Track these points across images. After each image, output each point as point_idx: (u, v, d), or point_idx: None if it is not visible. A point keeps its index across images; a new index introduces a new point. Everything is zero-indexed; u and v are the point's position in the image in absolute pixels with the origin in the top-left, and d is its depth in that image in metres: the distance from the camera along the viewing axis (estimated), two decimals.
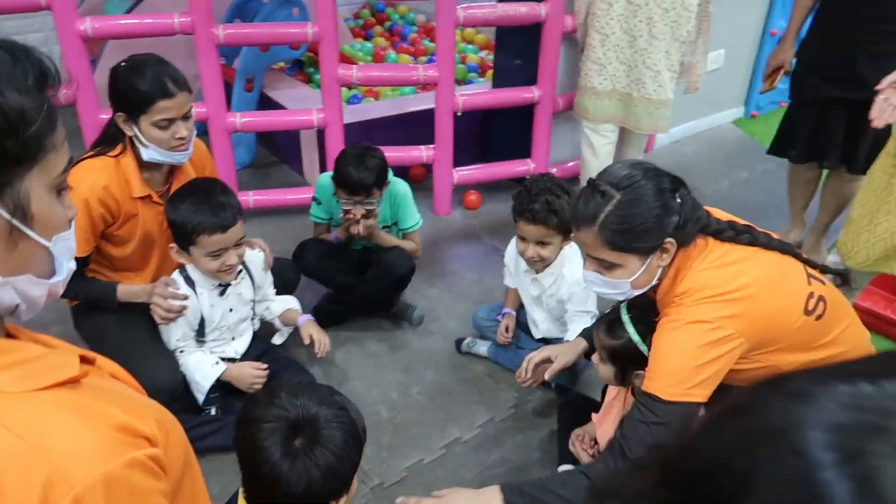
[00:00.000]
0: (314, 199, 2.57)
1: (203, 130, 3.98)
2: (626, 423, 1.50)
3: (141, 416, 0.77)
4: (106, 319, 2.01)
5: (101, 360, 0.89)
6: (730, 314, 1.40)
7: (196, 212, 1.84)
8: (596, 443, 1.95)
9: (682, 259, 1.47)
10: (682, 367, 1.40)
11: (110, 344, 1.99)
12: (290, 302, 2.27)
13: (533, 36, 3.20)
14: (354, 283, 2.56)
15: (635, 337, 1.63)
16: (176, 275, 2.00)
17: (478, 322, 2.56)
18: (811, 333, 1.50)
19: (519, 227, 2.14)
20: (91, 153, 1.92)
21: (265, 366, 2.11)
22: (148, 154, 1.88)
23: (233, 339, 2.12)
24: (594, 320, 2.28)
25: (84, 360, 0.81)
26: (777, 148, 3.02)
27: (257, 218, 3.36)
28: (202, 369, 1.99)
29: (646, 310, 1.62)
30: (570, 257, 2.24)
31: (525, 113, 3.40)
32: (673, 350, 1.43)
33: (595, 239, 1.43)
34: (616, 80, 3.05)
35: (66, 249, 0.81)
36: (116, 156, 1.90)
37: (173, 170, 2.03)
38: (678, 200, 1.42)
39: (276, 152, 4.06)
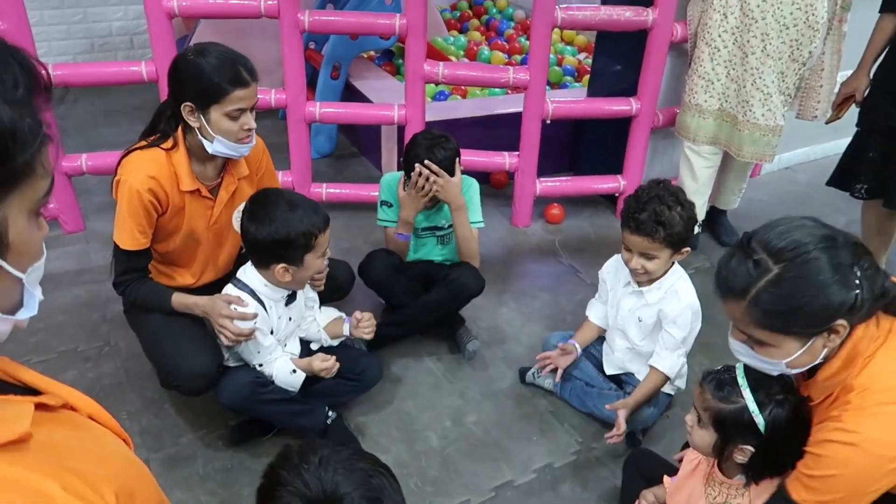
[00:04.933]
0: (381, 202, 2.41)
1: (282, 116, 3.95)
2: None
3: (93, 485, 0.65)
4: None
5: (80, 400, 0.78)
6: None
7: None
8: None
9: (862, 339, 1.19)
10: (853, 493, 1.18)
11: (151, 326, 1.95)
12: (333, 313, 2.15)
13: (637, 42, 2.94)
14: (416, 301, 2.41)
15: (752, 406, 1.37)
16: (234, 290, 1.88)
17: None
18: None
19: (624, 235, 2.00)
20: (142, 144, 1.85)
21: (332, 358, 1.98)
22: (213, 147, 1.81)
23: (285, 345, 2.04)
24: (682, 358, 2.09)
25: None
26: (838, 180, 2.66)
27: (329, 211, 3.24)
28: (284, 380, 1.94)
29: (768, 376, 1.37)
30: (684, 273, 2.08)
31: (621, 125, 3.15)
32: (846, 472, 1.18)
33: (744, 314, 1.19)
34: (724, 98, 2.77)
35: (37, 279, 0.70)
36: (168, 149, 1.83)
37: (226, 164, 1.96)
38: (858, 275, 1.15)
39: (357, 143, 3.95)
